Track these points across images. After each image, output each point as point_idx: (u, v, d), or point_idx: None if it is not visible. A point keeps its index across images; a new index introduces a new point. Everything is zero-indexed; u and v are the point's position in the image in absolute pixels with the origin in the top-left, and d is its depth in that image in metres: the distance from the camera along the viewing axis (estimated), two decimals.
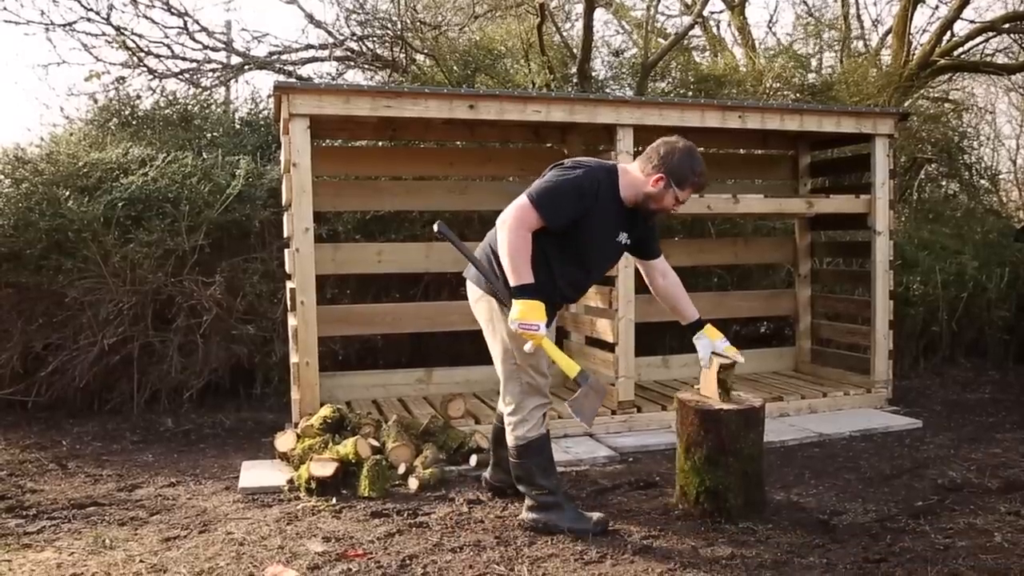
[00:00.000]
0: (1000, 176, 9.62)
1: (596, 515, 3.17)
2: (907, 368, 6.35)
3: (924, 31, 9.57)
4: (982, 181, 8.85)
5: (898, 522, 3.21)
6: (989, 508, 3.36)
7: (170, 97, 6.91)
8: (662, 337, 6.14)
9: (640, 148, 5.29)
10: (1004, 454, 4.17)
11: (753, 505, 3.27)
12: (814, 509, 3.38)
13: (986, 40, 9.24)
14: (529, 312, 2.87)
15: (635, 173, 3.10)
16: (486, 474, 3.59)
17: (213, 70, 7.55)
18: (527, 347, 2.95)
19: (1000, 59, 9.40)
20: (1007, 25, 8.84)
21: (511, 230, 2.93)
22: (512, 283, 2.92)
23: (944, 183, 8.67)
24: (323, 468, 3.60)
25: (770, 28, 15.27)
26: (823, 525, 3.19)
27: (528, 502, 3.18)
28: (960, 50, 9.07)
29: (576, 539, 3.05)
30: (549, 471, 3.17)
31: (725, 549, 2.96)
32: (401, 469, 3.74)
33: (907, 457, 4.16)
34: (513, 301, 2.92)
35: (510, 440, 3.15)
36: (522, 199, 2.98)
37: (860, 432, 4.61)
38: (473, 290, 3.21)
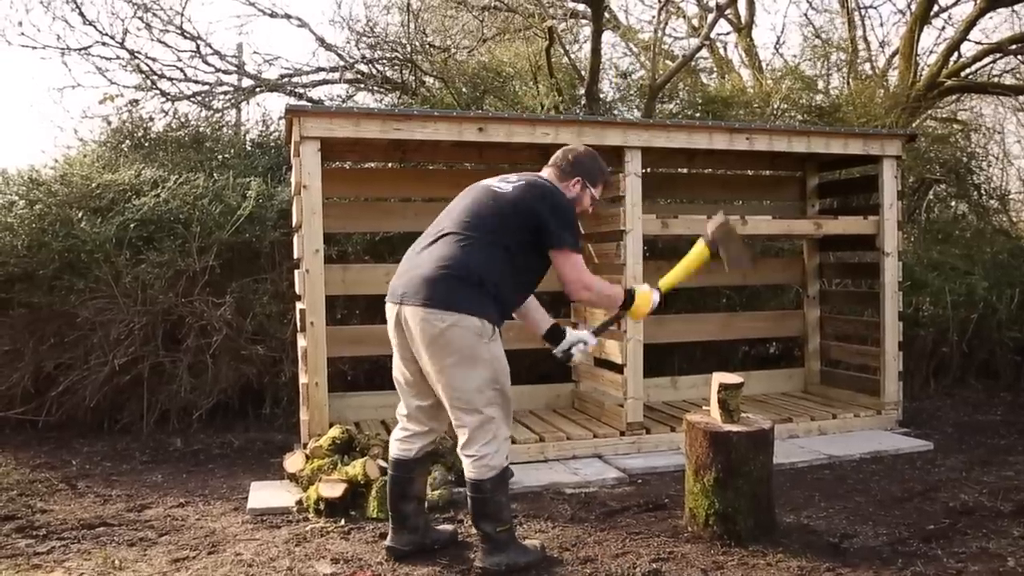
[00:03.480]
0: (1009, 196, 9.56)
1: (534, 542, 3.15)
2: (917, 389, 6.31)
3: (931, 52, 9.58)
4: (991, 201, 8.82)
5: (910, 546, 3.19)
6: (1002, 532, 3.33)
7: (182, 119, 7.00)
8: (671, 358, 6.13)
9: (648, 169, 5.34)
10: (1017, 477, 4.14)
11: (763, 528, 3.26)
12: (825, 532, 3.36)
13: (993, 61, 9.25)
14: (649, 299, 3.24)
15: (555, 182, 3.19)
16: (389, 542, 3.15)
17: (225, 92, 7.63)
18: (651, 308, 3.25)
19: (1008, 80, 9.40)
20: (1014, 46, 8.84)
21: (588, 283, 3.06)
22: (623, 300, 3.21)
23: (953, 204, 8.64)
24: (332, 489, 3.60)
25: (777, 50, 15.24)
26: (834, 548, 3.17)
27: (484, 547, 2.98)
28: (967, 71, 9.08)
29: (586, 562, 3.04)
30: (509, 502, 3.06)
31: (735, 572, 2.95)
32: None
33: (918, 480, 4.13)
34: (633, 304, 3.22)
35: (482, 473, 2.91)
36: (574, 258, 3.01)
37: (871, 454, 4.58)
38: (441, 316, 2.84)
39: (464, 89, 7.39)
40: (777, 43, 18.05)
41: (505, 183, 3.09)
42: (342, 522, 3.51)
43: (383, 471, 3.75)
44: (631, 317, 3.30)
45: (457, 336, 2.85)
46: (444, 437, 4.26)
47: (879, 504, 3.73)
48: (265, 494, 3.90)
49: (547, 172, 3.24)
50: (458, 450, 3.00)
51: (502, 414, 2.97)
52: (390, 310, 3.03)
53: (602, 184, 3.28)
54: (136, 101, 7.01)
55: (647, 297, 3.24)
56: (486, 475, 2.92)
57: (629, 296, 3.23)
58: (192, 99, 7.39)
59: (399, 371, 3.12)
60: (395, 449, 3.17)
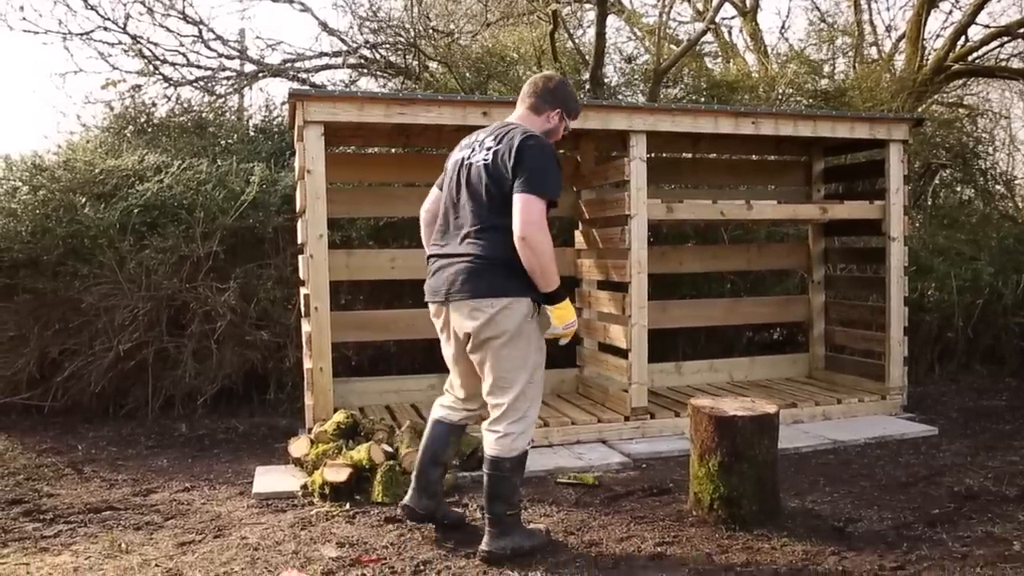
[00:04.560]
0: (1016, 181, 9.52)
1: (539, 527, 3.16)
2: (922, 375, 6.30)
3: (938, 36, 9.52)
4: (997, 186, 8.78)
5: (915, 530, 3.19)
6: (1007, 516, 3.33)
7: (185, 105, 6.98)
8: (675, 343, 6.13)
9: (653, 154, 5.32)
10: (1022, 462, 4.13)
11: (768, 512, 3.26)
12: (829, 516, 3.36)
13: (1001, 45, 9.19)
14: (571, 310, 3.00)
15: (531, 119, 3.11)
16: (407, 501, 3.17)
17: (227, 78, 7.60)
18: (562, 341, 3.05)
19: (1015, 64, 9.34)
20: (1023, 30, 8.78)
21: (541, 234, 2.84)
22: (551, 288, 2.93)
23: (959, 188, 8.61)
24: (337, 474, 3.61)
25: (782, 34, 15.26)
26: (839, 532, 3.17)
27: (491, 531, 2.96)
28: (975, 55, 9.02)
29: (591, 546, 3.05)
30: (521, 485, 3.06)
31: (740, 556, 2.95)
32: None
33: (923, 464, 4.13)
34: (555, 306, 2.95)
35: (504, 452, 2.93)
36: (529, 199, 2.83)
37: (875, 439, 4.58)
38: (491, 303, 2.89)
39: (468, 74, 7.36)
40: (782, 27, 17.99)
41: (486, 152, 2.98)
42: (347, 506, 3.52)
43: (388, 456, 3.76)
44: (554, 315, 2.97)
45: (507, 317, 2.89)
46: None
47: (884, 489, 3.73)
48: (270, 479, 3.91)
49: (520, 113, 3.13)
50: (484, 425, 3.01)
51: (535, 394, 3.01)
52: (435, 309, 3.09)
53: (574, 116, 3.20)
54: (139, 86, 7.00)
55: (570, 309, 2.99)
56: (508, 454, 2.93)
57: (560, 294, 2.95)
58: (195, 84, 7.37)
59: (450, 361, 3.16)
60: (438, 412, 3.23)
